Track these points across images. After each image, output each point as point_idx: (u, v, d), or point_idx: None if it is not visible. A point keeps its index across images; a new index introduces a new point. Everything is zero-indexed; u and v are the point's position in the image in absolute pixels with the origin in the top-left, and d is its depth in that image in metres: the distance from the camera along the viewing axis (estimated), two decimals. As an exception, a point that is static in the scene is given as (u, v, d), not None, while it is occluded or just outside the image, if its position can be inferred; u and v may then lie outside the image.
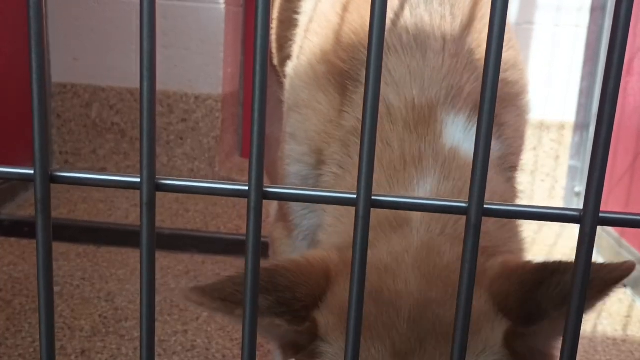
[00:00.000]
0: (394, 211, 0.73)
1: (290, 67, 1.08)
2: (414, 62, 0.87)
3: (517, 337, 0.65)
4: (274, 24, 1.40)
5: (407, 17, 0.91)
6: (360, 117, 0.90)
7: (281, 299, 0.64)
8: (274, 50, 1.42)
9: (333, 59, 0.96)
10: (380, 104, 0.88)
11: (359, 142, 0.89)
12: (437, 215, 0.73)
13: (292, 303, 0.65)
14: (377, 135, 0.92)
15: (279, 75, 1.37)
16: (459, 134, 0.84)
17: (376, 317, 0.66)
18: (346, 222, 0.82)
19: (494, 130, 0.81)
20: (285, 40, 1.25)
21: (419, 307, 0.67)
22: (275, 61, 1.42)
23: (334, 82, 0.96)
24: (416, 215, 0.74)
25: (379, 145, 0.85)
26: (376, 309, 0.67)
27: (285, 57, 1.18)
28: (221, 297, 0.63)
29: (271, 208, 1.90)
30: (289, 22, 1.24)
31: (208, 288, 0.65)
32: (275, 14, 1.39)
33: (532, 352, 0.67)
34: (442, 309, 0.66)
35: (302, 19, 1.15)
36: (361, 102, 0.92)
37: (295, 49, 1.12)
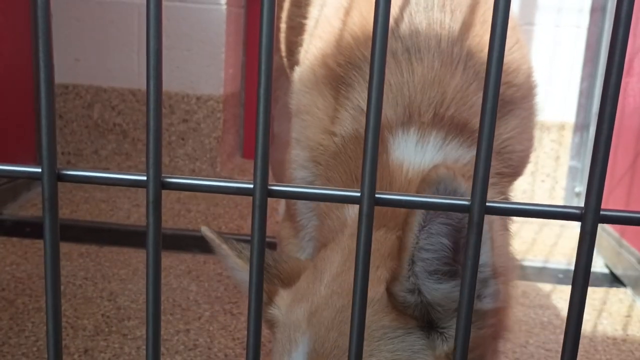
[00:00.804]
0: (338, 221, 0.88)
1: (296, 72, 1.09)
2: (396, 77, 0.89)
3: (394, 279, 0.68)
4: (284, 30, 1.41)
5: (405, 26, 0.92)
6: (346, 125, 0.93)
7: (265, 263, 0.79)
8: (284, 55, 1.44)
9: (331, 63, 0.97)
10: (357, 130, 0.91)
11: (346, 150, 0.92)
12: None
13: (271, 271, 0.85)
14: (344, 157, 0.94)
15: (289, 79, 1.38)
16: (408, 150, 0.86)
17: (305, 290, 0.80)
18: (324, 224, 0.92)
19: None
20: (295, 46, 1.26)
21: (336, 277, 0.79)
22: (286, 65, 1.43)
23: (331, 86, 0.97)
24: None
25: (339, 168, 0.91)
26: (311, 283, 0.81)
27: (295, 62, 1.20)
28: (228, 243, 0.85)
29: (280, 207, 1.91)
30: (299, 28, 1.26)
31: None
32: (285, 19, 1.40)
33: (419, 294, 0.68)
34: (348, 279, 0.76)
35: (309, 24, 1.17)
36: (349, 109, 0.93)
37: (302, 54, 1.13)
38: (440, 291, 0.67)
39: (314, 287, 0.78)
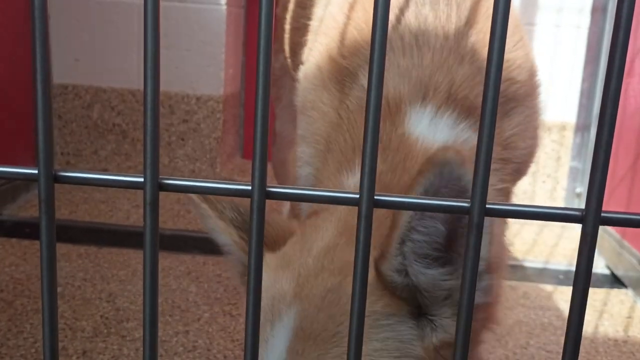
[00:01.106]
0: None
1: (300, 71, 1.10)
2: (405, 61, 0.89)
3: (382, 257, 0.67)
4: (288, 31, 1.42)
5: (412, 17, 0.92)
6: (350, 118, 0.93)
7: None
8: (288, 56, 1.44)
9: (337, 57, 0.97)
10: (360, 104, 0.90)
11: (349, 121, 0.91)
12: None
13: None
14: (349, 128, 0.93)
15: (293, 79, 1.39)
16: (422, 125, 0.86)
17: (292, 258, 0.78)
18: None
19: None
20: (299, 47, 1.27)
21: (325, 252, 0.76)
22: (290, 66, 1.44)
23: (336, 80, 0.97)
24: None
25: (344, 136, 0.90)
26: (297, 251, 0.78)
27: (299, 63, 1.20)
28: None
29: (284, 208, 1.90)
30: (303, 29, 1.26)
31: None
32: (289, 21, 1.40)
33: (406, 276, 0.68)
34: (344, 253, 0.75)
35: (313, 24, 1.17)
36: (355, 91, 0.93)
37: (306, 53, 1.13)
38: (428, 276, 0.66)
39: (302, 256, 0.76)
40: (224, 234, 0.82)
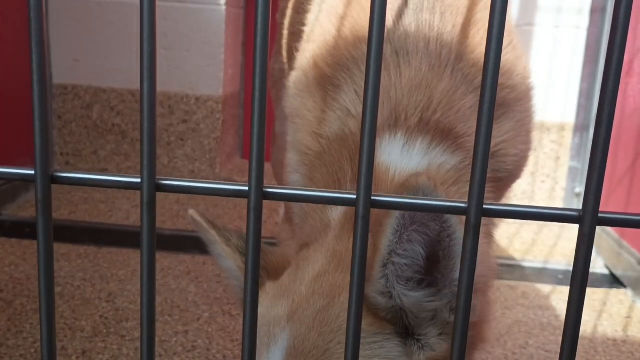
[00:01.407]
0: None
1: (291, 77, 1.10)
2: (383, 80, 0.89)
3: (367, 279, 0.68)
4: (286, 36, 1.42)
5: (394, 28, 0.91)
6: (332, 127, 0.93)
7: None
8: (286, 61, 1.44)
9: (321, 64, 0.97)
10: (343, 130, 0.90)
11: (330, 151, 0.91)
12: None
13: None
14: (327, 158, 0.93)
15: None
16: (394, 154, 0.86)
17: (286, 288, 0.80)
18: (307, 224, 0.94)
19: (452, 142, 0.84)
20: (294, 52, 1.27)
21: (321, 273, 0.79)
22: (287, 71, 1.44)
23: (320, 88, 0.97)
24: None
25: (322, 169, 0.92)
26: (292, 279, 0.81)
27: (292, 69, 1.20)
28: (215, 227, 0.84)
29: (281, 209, 1.91)
30: (298, 34, 1.26)
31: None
32: (287, 26, 1.41)
33: (390, 298, 0.69)
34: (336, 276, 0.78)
35: (306, 30, 1.17)
36: (336, 110, 0.93)
37: (297, 59, 1.13)
38: (412, 298, 0.68)
39: (295, 285, 0.79)
40: (230, 259, 0.84)
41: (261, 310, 0.80)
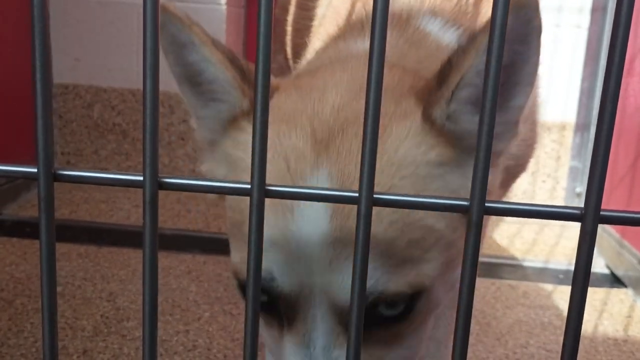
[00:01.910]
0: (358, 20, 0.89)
1: (298, 67, 1.10)
2: None
3: (434, 103, 0.65)
4: (289, 33, 1.42)
5: None
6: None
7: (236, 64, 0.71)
8: (290, 57, 1.44)
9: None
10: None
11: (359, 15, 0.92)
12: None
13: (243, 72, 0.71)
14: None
15: None
16: (435, 28, 0.89)
17: (300, 109, 0.68)
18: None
19: None
20: (300, 48, 1.27)
21: (344, 98, 0.69)
22: (292, 67, 1.44)
23: None
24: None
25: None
26: (301, 102, 0.70)
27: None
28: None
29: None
30: (304, 30, 1.26)
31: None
32: (290, 22, 1.41)
33: (456, 123, 0.66)
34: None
35: (315, 24, 1.18)
36: None
37: (308, 50, 1.14)
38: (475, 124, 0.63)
39: (312, 111, 0.67)
40: (220, 65, 0.70)
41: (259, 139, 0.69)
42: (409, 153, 0.64)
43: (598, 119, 0.42)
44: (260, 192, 0.44)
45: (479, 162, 0.43)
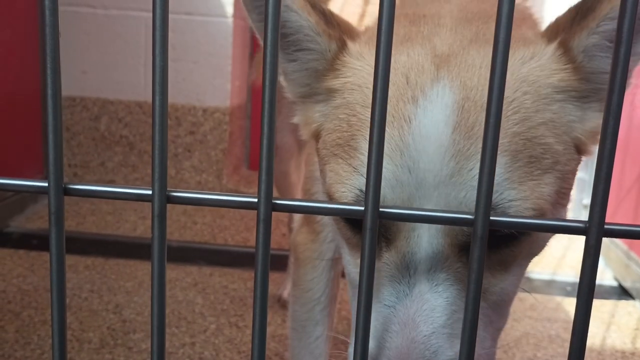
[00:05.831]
0: None
1: None
2: None
3: (575, 33, 0.65)
4: None
5: None
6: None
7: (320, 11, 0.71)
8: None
9: None
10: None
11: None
12: None
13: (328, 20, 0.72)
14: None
15: None
16: None
17: (415, 31, 0.70)
18: None
19: None
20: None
21: (461, 20, 0.70)
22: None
23: None
24: None
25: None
26: (415, 26, 0.71)
27: None
28: None
29: (295, 215, 1.90)
30: None
31: None
32: None
33: (590, 59, 0.66)
34: (486, 25, 0.70)
35: None
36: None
37: None
38: (604, 62, 0.65)
39: (431, 29, 0.69)
40: (302, 11, 0.69)
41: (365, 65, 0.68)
42: (532, 72, 0.65)
43: (601, 135, 0.42)
44: (267, 206, 0.45)
45: (483, 177, 0.44)
